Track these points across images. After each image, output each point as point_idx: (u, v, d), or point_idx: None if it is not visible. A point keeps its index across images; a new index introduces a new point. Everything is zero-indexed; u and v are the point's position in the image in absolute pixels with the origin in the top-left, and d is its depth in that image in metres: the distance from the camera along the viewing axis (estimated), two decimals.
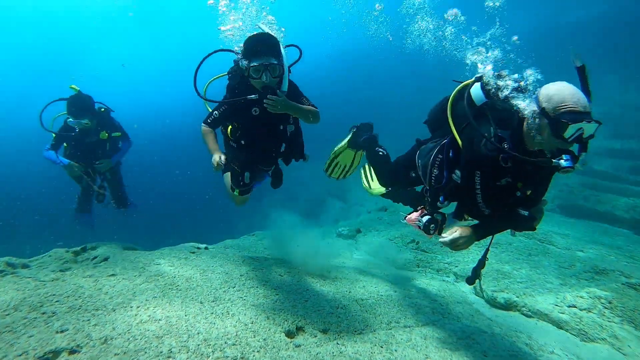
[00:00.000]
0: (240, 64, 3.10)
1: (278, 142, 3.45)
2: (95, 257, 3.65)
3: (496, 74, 2.43)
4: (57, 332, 2.18)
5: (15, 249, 4.56)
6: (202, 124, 3.29)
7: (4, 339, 2.06)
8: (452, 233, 2.49)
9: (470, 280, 3.11)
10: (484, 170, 2.38)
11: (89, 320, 2.36)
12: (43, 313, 2.39)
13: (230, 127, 3.28)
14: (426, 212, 2.78)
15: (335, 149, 4.29)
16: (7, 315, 2.31)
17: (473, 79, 2.55)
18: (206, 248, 4.78)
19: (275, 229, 6.83)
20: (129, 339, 2.21)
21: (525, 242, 5.43)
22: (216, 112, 3.26)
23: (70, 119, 4.62)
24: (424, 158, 2.89)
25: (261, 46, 2.97)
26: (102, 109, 5.01)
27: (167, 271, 3.41)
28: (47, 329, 2.21)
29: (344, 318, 3.04)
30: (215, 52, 3.27)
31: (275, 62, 3.00)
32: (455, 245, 2.47)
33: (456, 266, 4.79)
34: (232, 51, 3.26)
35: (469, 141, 2.42)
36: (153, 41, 27.91)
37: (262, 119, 3.20)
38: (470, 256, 4.94)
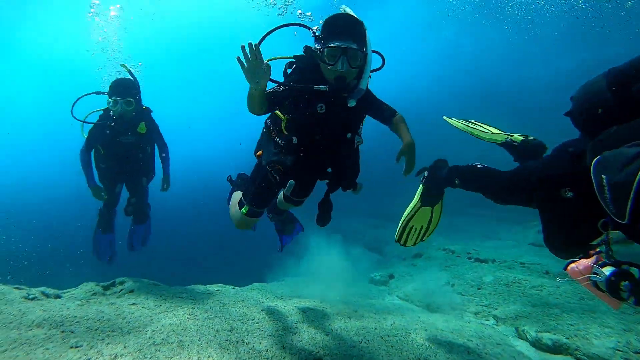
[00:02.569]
0: (314, 47, 2.49)
1: (340, 154, 2.66)
2: (122, 290, 3.73)
3: None
4: (71, 347, 2.20)
5: (57, 282, 4.68)
6: None
7: (22, 350, 2.11)
8: None
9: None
10: None
11: (103, 339, 2.37)
12: (62, 331, 2.43)
13: (286, 118, 2.56)
14: (606, 260, 1.80)
15: (406, 213, 3.47)
16: (29, 330, 2.38)
17: None
18: (233, 288, 4.75)
19: (305, 277, 6.70)
20: (139, 357, 2.17)
21: (575, 286, 4.91)
22: (281, 87, 2.48)
23: (112, 99, 4.08)
24: (617, 172, 1.62)
25: (342, 26, 2.38)
26: (144, 107, 4.50)
27: (188, 304, 3.40)
28: (63, 344, 2.24)
29: (366, 352, 2.82)
30: (284, 26, 2.58)
31: (357, 48, 2.35)
32: None
33: (496, 308, 4.38)
34: (306, 27, 2.61)
35: None
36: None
37: (327, 120, 2.50)
38: (512, 298, 4.53)
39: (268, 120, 2.77)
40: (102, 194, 4.46)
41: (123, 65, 4.37)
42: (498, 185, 2.72)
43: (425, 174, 3.33)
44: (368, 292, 5.92)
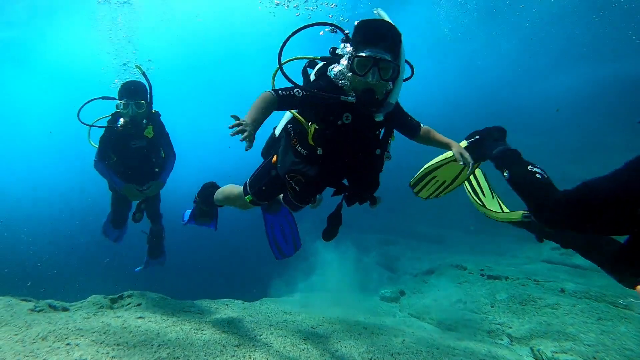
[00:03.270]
0: (342, 51, 2.30)
1: (364, 169, 2.46)
2: (130, 303, 3.70)
3: None
4: None
5: (65, 294, 4.65)
6: (271, 92, 2.18)
7: None
8: None
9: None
10: None
11: (108, 353, 2.33)
12: (67, 344, 2.39)
13: (314, 126, 2.32)
14: None
15: (434, 161, 3.17)
16: (34, 342, 2.35)
17: None
18: (242, 303, 4.68)
19: (314, 292, 6.61)
20: None
21: (593, 305, 4.73)
22: (299, 90, 2.22)
23: (123, 101, 3.92)
24: None
25: (376, 33, 2.15)
26: (153, 110, 4.26)
27: (195, 318, 3.35)
28: (67, 356, 2.20)
29: None
30: (312, 25, 2.39)
31: (390, 60, 2.13)
32: None
33: (510, 327, 4.24)
34: (339, 28, 2.45)
35: None
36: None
37: (354, 132, 2.32)
38: (527, 317, 4.38)
39: (289, 127, 2.53)
40: (134, 191, 4.20)
41: (137, 67, 4.19)
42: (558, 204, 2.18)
43: (477, 137, 2.93)
44: (378, 309, 5.79)
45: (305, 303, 5.59)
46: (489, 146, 2.78)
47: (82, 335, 2.56)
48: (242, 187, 2.97)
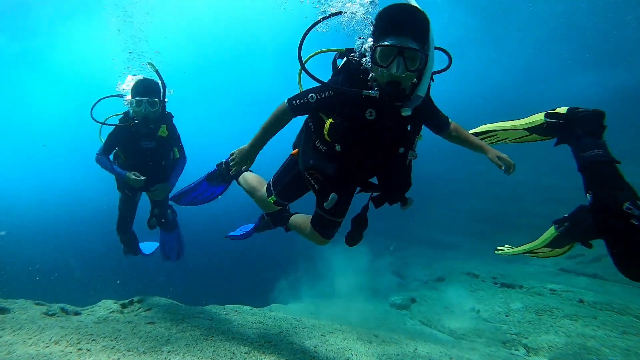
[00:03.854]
0: (363, 42, 2.11)
1: (391, 167, 2.28)
2: (140, 308, 3.70)
3: None
4: None
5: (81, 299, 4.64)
6: (285, 102, 2.23)
7: None
8: None
9: None
10: None
11: (118, 358, 2.32)
12: (79, 349, 2.40)
13: (330, 121, 2.15)
14: None
15: (502, 124, 3.01)
16: (47, 347, 2.36)
17: None
18: (251, 309, 4.66)
19: (324, 298, 6.56)
20: None
21: (616, 318, 4.55)
22: (313, 95, 2.16)
23: (136, 99, 3.77)
24: None
25: (400, 19, 1.94)
26: (166, 112, 4.11)
27: (205, 324, 3.34)
28: None
29: None
30: (329, 16, 2.23)
31: (417, 48, 1.91)
32: None
33: (526, 337, 4.13)
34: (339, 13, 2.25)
35: None
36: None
37: (377, 129, 2.13)
38: (543, 327, 4.26)
39: (309, 121, 2.39)
40: (140, 178, 3.86)
41: (150, 64, 4.01)
42: None
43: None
44: (389, 316, 5.72)
45: (315, 309, 5.55)
46: (579, 141, 2.26)
47: (94, 340, 2.56)
48: (266, 187, 2.82)
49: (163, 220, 4.58)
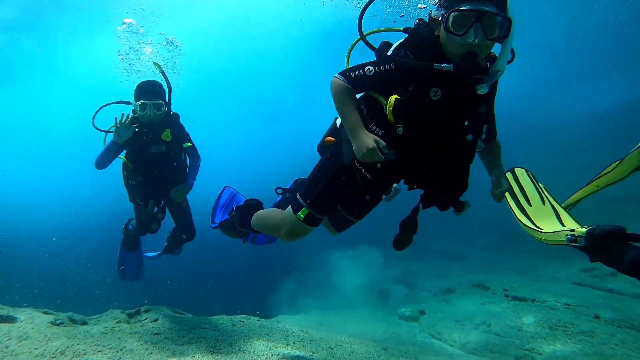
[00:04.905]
0: (433, 13, 1.84)
1: (451, 159, 1.97)
2: (146, 319, 3.68)
3: None
4: None
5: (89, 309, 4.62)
6: (337, 76, 1.97)
7: None
8: None
9: None
10: None
11: None
12: None
13: (395, 97, 1.84)
14: None
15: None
16: (53, 357, 2.35)
17: None
18: (258, 320, 4.61)
19: (332, 310, 6.48)
20: None
21: (636, 336, 4.34)
22: (371, 67, 1.91)
23: (140, 102, 3.59)
24: None
25: None
26: (172, 112, 3.95)
27: (211, 336, 3.30)
28: None
29: None
30: None
31: (496, 12, 1.68)
32: None
33: (540, 354, 4.01)
34: None
35: None
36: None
37: (443, 111, 1.85)
38: (558, 343, 4.14)
39: (361, 103, 2.09)
40: (128, 129, 3.61)
41: (156, 64, 3.85)
42: None
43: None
44: (397, 329, 5.61)
45: (323, 321, 5.48)
46: (618, 250, 2.02)
47: (100, 351, 2.54)
48: (285, 210, 2.40)
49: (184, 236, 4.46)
